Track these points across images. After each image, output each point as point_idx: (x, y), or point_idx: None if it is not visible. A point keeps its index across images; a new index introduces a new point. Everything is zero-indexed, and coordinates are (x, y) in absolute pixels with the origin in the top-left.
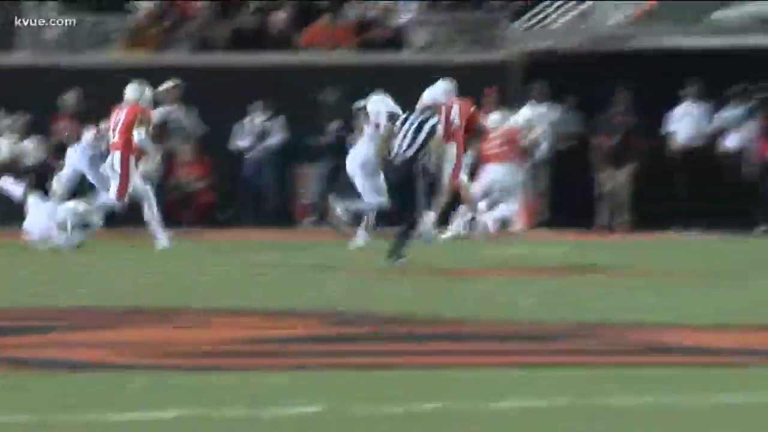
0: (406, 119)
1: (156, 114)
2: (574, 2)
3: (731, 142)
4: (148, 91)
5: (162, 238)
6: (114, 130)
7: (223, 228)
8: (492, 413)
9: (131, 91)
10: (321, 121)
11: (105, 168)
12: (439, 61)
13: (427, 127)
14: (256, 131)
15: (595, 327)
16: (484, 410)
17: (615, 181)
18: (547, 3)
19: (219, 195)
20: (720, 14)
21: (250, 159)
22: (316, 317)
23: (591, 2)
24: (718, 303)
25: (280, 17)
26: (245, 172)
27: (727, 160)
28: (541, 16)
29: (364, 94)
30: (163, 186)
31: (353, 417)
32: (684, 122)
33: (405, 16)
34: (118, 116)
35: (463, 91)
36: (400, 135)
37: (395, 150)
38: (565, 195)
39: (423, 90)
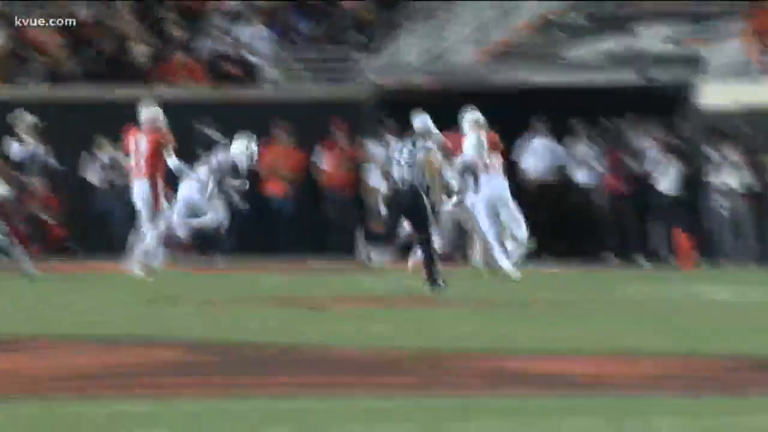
0: (402, 148)
1: (16, 150)
2: (427, 39)
3: (581, 176)
4: (161, 112)
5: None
6: (138, 157)
7: (75, 259)
8: None
9: (149, 114)
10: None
11: (135, 197)
12: (292, 96)
13: (422, 153)
14: (106, 165)
15: (449, 356)
16: None
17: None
18: (400, 40)
19: (71, 227)
20: (571, 52)
21: (101, 190)
22: (173, 346)
23: (444, 39)
24: (571, 333)
25: (135, 51)
26: (98, 203)
27: (578, 194)
28: (394, 52)
29: (219, 129)
30: (14, 219)
31: None
32: (535, 157)
33: (258, 51)
34: (137, 142)
35: (316, 126)
36: (398, 164)
37: (399, 178)
38: None
39: (276, 124)
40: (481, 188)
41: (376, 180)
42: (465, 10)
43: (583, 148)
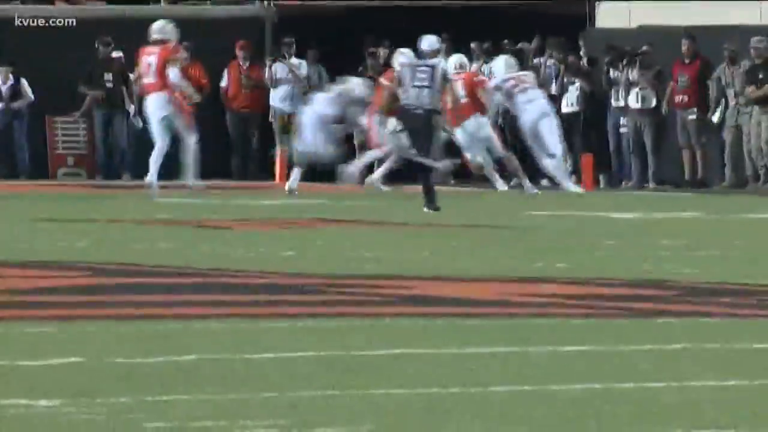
0: (414, 68)
1: None
2: None
3: None
4: (174, 28)
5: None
6: (148, 72)
7: None
8: (249, 364)
9: (160, 30)
10: (95, 72)
11: (151, 112)
12: (193, 15)
13: (439, 74)
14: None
15: (351, 278)
16: (241, 361)
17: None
18: None
19: None
20: None
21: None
22: (75, 269)
23: None
24: (474, 254)
25: None
26: None
27: None
28: None
29: (122, 49)
30: None
31: (114, 368)
32: None
33: None
34: (149, 58)
35: (218, 45)
36: (414, 84)
37: (412, 99)
38: None
39: (179, 43)
40: (524, 109)
41: (277, 100)
42: None
43: (487, 69)
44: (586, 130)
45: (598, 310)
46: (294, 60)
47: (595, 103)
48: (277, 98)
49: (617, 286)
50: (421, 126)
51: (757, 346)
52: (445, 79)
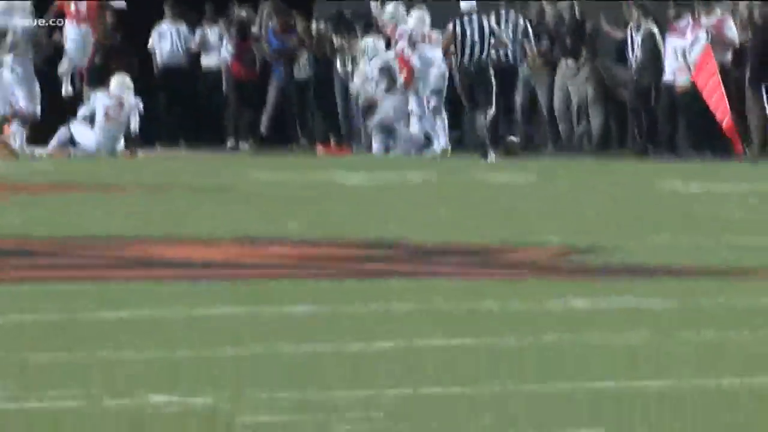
0: (462, 26)
1: None
2: None
3: (209, 60)
4: None
5: None
6: None
7: None
8: None
9: None
10: None
11: None
12: None
13: (487, 30)
14: None
15: (78, 241)
16: None
17: None
18: None
19: None
20: None
21: None
22: None
23: None
24: (205, 216)
25: None
26: None
27: (206, 78)
28: None
29: None
30: None
31: None
32: (166, 41)
33: None
34: None
35: None
36: (467, 41)
37: (467, 55)
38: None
39: None
40: None
41: None
42: None
43: (213, 34)
44: (318, 95)
45: (328, 271)
46: None
47: (326, 64)
48: None
49: (348, 247)
50: (479, 77)
51: (484, 306)
52: (492, 32)
